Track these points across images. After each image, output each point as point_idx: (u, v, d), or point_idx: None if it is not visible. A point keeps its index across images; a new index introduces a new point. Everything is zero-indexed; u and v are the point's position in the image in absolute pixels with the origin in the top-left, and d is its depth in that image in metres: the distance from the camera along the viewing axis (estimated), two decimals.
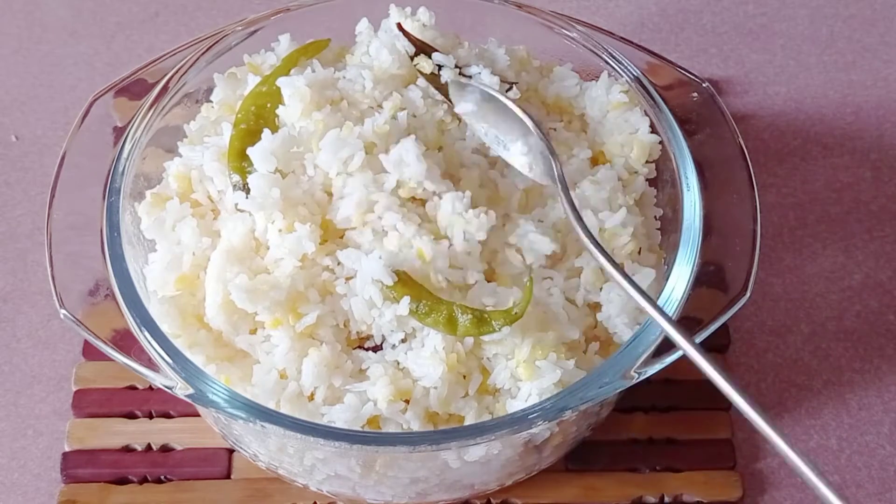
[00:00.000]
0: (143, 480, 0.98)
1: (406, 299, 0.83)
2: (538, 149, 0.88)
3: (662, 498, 0.98)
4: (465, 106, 0.91)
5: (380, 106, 0.90)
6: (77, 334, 0.92)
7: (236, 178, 0.88)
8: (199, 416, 1.00)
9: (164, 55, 0.98)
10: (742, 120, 1.19)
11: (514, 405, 0.84)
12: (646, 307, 0.80)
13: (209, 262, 0.87)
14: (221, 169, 0.90)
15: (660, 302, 0.86)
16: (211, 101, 0.97)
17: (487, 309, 0.84)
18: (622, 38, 1.00)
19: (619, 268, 0.82)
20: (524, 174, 0.89)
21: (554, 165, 0.87)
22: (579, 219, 0.84)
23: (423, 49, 0.94)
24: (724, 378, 0.75)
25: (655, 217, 0.95)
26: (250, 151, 0.87)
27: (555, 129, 0.96)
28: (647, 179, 0.95)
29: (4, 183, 1.16)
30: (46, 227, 0.89)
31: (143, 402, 1.01)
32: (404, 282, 0.84)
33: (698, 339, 0.85)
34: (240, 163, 0.88)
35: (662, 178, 0.95)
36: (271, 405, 0.83)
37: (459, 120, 0.92)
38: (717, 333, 0.87)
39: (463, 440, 0.81)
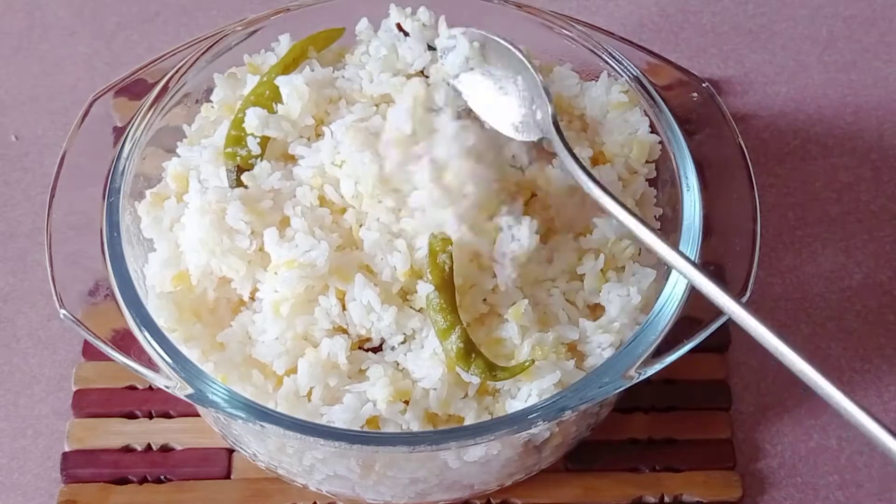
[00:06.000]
0: (143, 480, 0.98)
1: (430, 287, 0.83)
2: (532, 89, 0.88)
3: (662, 498, 0.97)
4: (452, 63, 0.90)
5: (377, 105, 0.91)
6: (77, 334, 0.92)
7: (231, 164, 0.88)
8: (199, 416, 1.00)
9: (164, 55, 0.98)
10: (742, 120, 1.19)
11: (514, 405, 0.84)
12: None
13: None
14: (218, 169, 0.90)
15: (660, 302, 0.86)
16: (211, 101, 0.97)
17: (481, 350, 0.83)
18: (622, 38, 1.00)
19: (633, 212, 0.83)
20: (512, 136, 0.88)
21: (549, 108, 0.87)
22: (577, 160, 0.84)
23: None
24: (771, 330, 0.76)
25: (655, 217, 0.95)
26: (279, 80, 0.89)
27: None
28: (647, 179, 0.95)
29: (4, 183, 1.15)
30: (46, 227, 0.89)
31: (143, 402, 1.01)
32: (449, 254, 0.83)
33: (698, 340, 0.85)
34: (234, 147, 0.88)
35: (662, 178, 0.95)
36: (270, 405, 0.83)
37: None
38: (717, 333, 0.87)
39: (462, 440, 0.81)
